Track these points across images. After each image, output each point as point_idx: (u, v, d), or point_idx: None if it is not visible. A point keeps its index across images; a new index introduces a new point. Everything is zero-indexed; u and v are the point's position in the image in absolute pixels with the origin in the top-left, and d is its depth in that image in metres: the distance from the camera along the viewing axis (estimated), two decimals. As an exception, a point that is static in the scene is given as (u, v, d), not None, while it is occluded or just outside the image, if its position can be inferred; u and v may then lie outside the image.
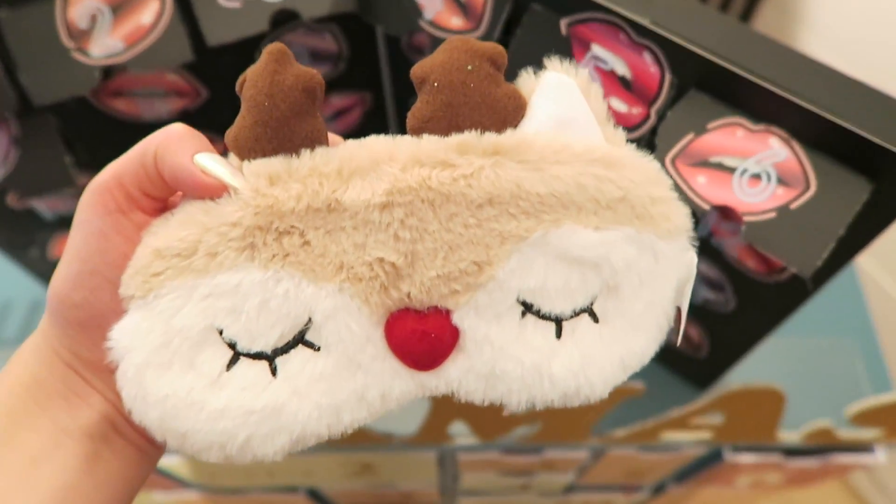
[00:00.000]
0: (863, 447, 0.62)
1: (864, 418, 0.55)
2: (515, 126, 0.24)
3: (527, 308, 0.25)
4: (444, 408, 0.54)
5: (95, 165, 0.55)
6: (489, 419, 0.56)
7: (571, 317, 0.25)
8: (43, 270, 0.65)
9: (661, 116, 0.37)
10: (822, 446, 0.61)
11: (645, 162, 0.25)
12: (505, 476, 0.73)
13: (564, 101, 0.25)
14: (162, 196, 0.25)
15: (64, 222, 0.60)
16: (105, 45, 0.42)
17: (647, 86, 0.38)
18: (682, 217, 0.25)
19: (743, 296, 0.48)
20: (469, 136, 0.24)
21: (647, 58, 0.37)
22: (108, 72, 0.43)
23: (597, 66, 0.39)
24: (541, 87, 0.25)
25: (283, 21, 0.46)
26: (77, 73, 0.42)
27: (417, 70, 0.24)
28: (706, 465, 0.69)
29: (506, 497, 0.84)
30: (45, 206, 0.57)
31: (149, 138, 0.24)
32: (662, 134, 0.36)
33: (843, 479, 1.30)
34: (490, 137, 0.24)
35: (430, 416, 0.54)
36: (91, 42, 0.42)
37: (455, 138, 0.24)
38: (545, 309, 0.25)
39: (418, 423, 0.56)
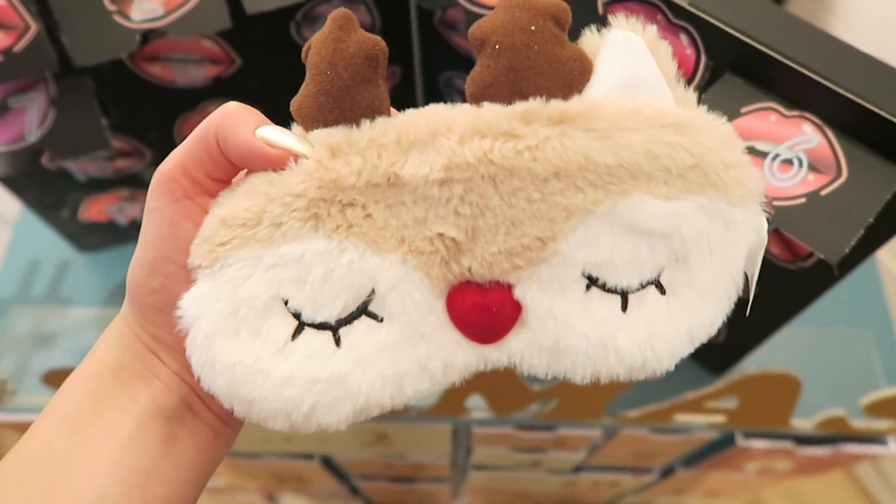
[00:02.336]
0: (875, 438, 0.62)
1: (877, 409, 0.56)
2: (581, 90, 0.23)
3: (592, 281, 0.25)
4: (463, 381, 0.55)
5: (128, 129, 0.56)
6: (506, 394, 0.57)
7: (638, 289, 0.25)
8: (72, 231, 0.66)
9: (696, 99, 0.38)
10: (834, 435, 0.62)
11: (718, 124, 0.24)
12: (516, 452, 0.74)
13: (632, 61, 0.23)
14: (227, 178, 0.25)
15: (96, 184, 0.61)
16: (145, 10, 0.43)
17: (682, 67, 0.38)
18: (754, 182, 0.24)
19: (764, 282, 0.49)
20: (534, 104, 0.22)
21: (684, 39, 0.37)
22: (147, 36, 0.44)
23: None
24: (607, 46, 0.24)
25: (320, -9, 0.46)
26: (118, 35, 0.43)
27: (476, 30, 0.23)
28: (717, 449, 0.70)
29: (515, 473, 0.85)
30: (78, 168, 0.58)
31: (206, 121, 0.24)
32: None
33: (848, 472, 1.31)
34: (556, 104, 0.22)
35: (448, 388, 0.55)
36: (132, 6, 0.43)
37: (519, 106, 0.23)
38: (611, 282, 0.24)
39: (436, 395, 0.56)
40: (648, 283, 0.25)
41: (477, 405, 0.60)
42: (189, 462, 0.26)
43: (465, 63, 0.55)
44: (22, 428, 0.64)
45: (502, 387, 0.56)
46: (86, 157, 0.56)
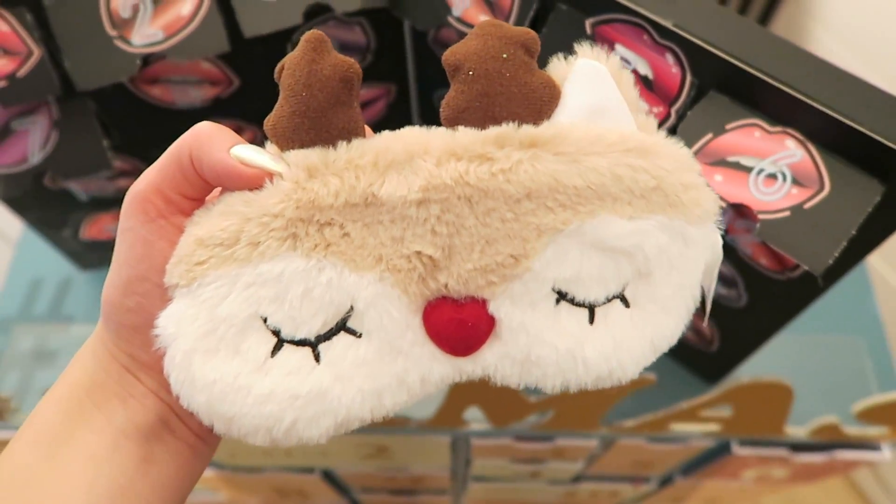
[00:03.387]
0: (869, 444, 0.63)
1: (870, 415, 0.56)
2: (550, 116, 0.25)
3: (561, 296, 0.26)
4: (461, 393, 0.55)
5: (129, 149, 0.57)
6: (504, 406, 0.58)
7: (604, 303, 0.26)
8: (74, 250, 0.67)
9: (681, 116, 0.39)
10: (828, 442, 0.62)
11: (676, 149, 0.25)
12: (516, 463, 0.75)
13: (597, 88, 0.25)
14: (201, 196, 0.26)
15: (97, 203, 0.62)
16: (146, 34, 0.44)
17: (668, 86, 0.39)
18: (710, 202, 0.26)
19: (755, 292, 0.50)
20: (507, 129, 0.24)
21: (669, 59, 0.39)
22: (147, 60, 0.45)
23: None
24: (573, 74, 0.25)
25: (316, 14, 0.47)
26: (119, 60, 0.44)
27: (450, 56, 0.24)
28: (713, 457, 0.70)
29: (515, 484, 0.86)
30: (79, 188, 0.59)
31: (179, 141, 0.24)
32: (682, 133, 0.38)
33: (847, 477, 1.31)
34: (527, 130, 0.24)
35: (447, 401, 0.56)
36: (133, 31, 0.44)
37: (493, 131, 0.24)
38: (579, 297, 0.26)
39: (435, 407, 0.57)
40: (614, 297, 0.26)
41: (475, 417, 0.60)
42: (166, 481, 0.26)
43: (459, 81, 0.56)
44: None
45: (500, 399, 0.56)
46: (88, 177, 0.57)
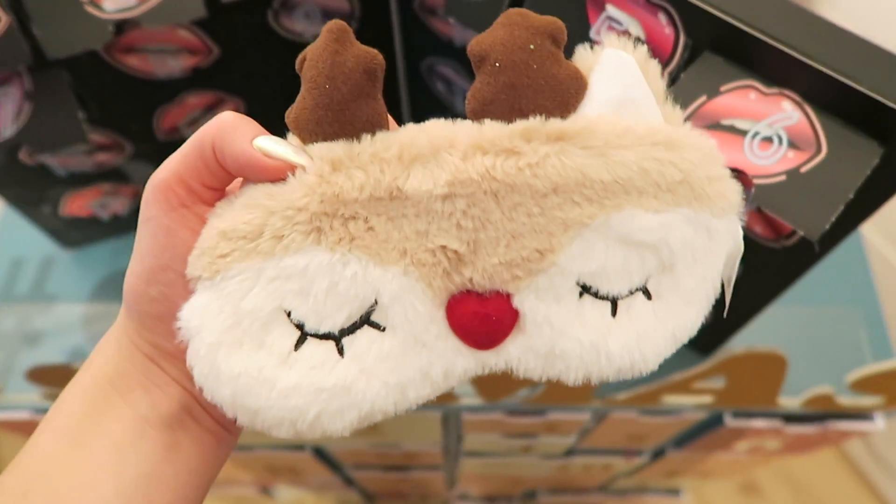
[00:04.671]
0: (862, 414, 0.63)
1: (864, 385, 0.56)
2: (577, 108, 0.24)
3: (585, 290, 0.26)
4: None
5: (107, 122, 0.55)
6: (494, 380, 0.57)
7: (627, 296, 0.26)
8: (54, 227, 0.66)
9: (675, 78, 0.37)
10: (821, 413, 0.62)
11: (702, 140, 0.25)
12: (508, 438, 0.74)
13: (624, 80, 0.24)
14: (222, 186, 0.25)
15: (76, 179, 0.60)
16: (118, 0, 0.42)
17: (661, 47, 0.38)
18: (734, 194, 0.26)
19: (749, 261, 0.49)
20: (534, 122, 0.23)
21: (662, 19, 0.37)
22: (121, 27, 0.43)
23: (611, 26, 0.39)
24: (600, 65, 0.24)
25: (297, -22, 0.46)
26: (90, 26, 0.42)
27: (476, 47, 0.24)
28: (706, 429, 0.70)
29: (508, 459, 0.86)
30: (57, 163, 0.58)
31: (202, 130, 0.24)
32: (675, 96, 0.36)
33: (839, 449, 1.32)
34: (555, 123, 0.23)
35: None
36: (104, -4, 0.42)
37: (520, 124, 0.23)
38: (603, 290, 0.26)
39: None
40: (637, 290, 0.26)
41: (466, 392, 0.60)
42: (192, 468, 0.27)
43: (446, 49, 0.55)
44: (8, 425, 0.64)
45: (490, 373, 0.56)
46: (63, 151, 0.55)
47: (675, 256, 0.25)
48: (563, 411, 0.65)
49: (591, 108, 0.24)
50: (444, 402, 0.61)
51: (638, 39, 0.38)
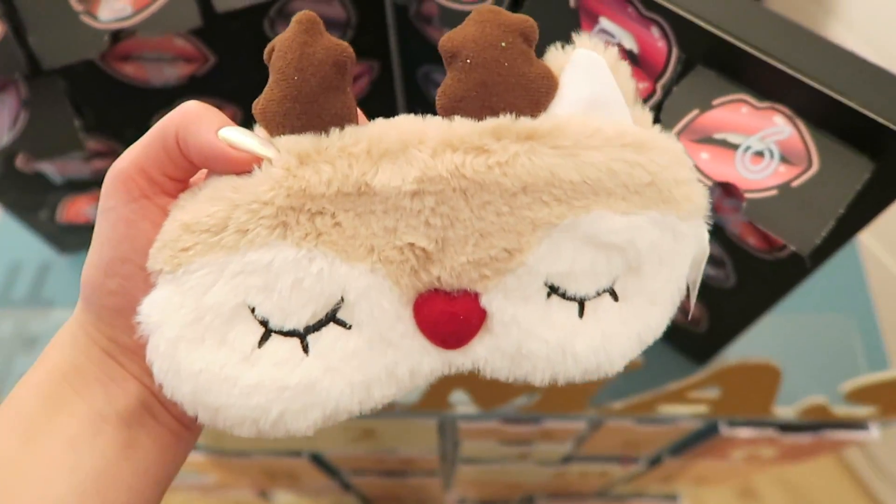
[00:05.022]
0: (857, 424, 0.63)
1: (859, 395, 0.56)
2: (547, 107, 0.24)
3: (553, 290, 0.25)
4: (446, 377, 0.55)
5: (103, 129, 0.55)
6: (489, 389, 0.57)
7: (594, 297, 0.26)
8: (52, 233, 0.66)
9: (667, 92, 0.37)
10: (816, 422, 0.62)
11: (671, 143, 0.25)
12: (504, 445, 0.74)
13: (595, 80, 0.24)
14: (185, 177, 0.25)
15: (73, 185, 0.61)
16: (113, 9, 0.42)
17: (653, 61, 0.38)
18: (701, 197, 0.26)
19: (743, 272, 0.49)
20: (504, 120, 0.23)
21: (655, 32, 0.37)
22: (117, 36, 0.43)
23: (604, 39, 0.39)
24: (571, 65, 0.24)
25: (292, -12, 0.46)
26: (86, 36, 0.42)
27: (447, 43, 0.23)
28: (702, 438, 0.70)
29: (504, 465, 0.86)
30: (53, 169, 0.58)
31: (165, 120, 0.23)
32: (668, 109, 0.37)
33: (837, 456, 1.32)
34: (525, 122, 0.23)
35: (432, 384, 0.55)
36: (100, 5, 0.42)
37: (490, 122, 0.23)
38: (571, 291, 0.26)
39: (420, 390, 0.56)
40: (604, 291, 0.26)
41: (461, 400, 0.60)
42: (149, 466, 0.26)
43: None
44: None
45: (486, 381, 0.56)
46: (60, 158, 0.55)
47: (641, 258, 0.25)
48: (558, 419, 0.65)
49: (562, 107, 0.24)
50: (440, 410, 0.61)
51: (630, 53, 0.38)
